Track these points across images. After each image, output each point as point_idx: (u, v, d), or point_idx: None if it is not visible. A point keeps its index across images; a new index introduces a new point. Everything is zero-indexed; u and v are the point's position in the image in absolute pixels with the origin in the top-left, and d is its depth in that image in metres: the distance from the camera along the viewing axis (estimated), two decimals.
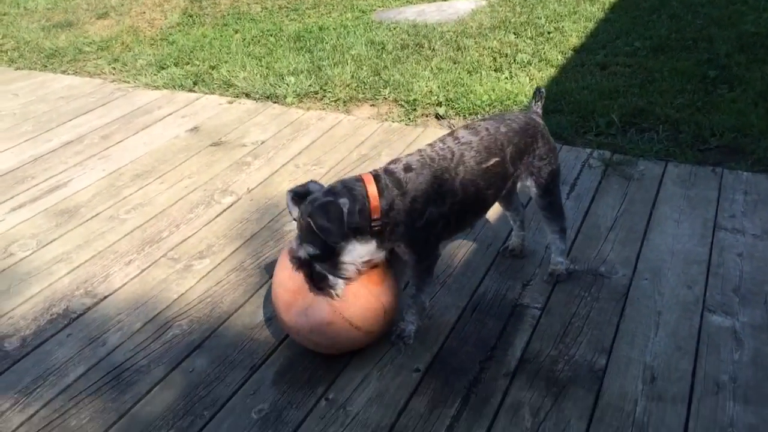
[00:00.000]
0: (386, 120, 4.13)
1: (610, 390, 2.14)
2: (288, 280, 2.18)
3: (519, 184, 2.49)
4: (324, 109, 4.36)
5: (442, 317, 2.49)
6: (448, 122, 4.03)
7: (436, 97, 4.24)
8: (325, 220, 1.95)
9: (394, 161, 2.22)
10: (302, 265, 2.08)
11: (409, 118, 4.11)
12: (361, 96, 4.43)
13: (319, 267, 2.07)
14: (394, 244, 2.18)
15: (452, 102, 4.18)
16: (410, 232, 2.15)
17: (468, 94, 4.22)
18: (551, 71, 4.52)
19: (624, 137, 3.72)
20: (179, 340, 2.46)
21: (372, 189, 2.06)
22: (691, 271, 2.66)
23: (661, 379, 2.16)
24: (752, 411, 2.02)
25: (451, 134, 2.32)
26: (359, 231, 2.04)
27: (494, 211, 3.10)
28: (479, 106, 4.09)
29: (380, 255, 2.16)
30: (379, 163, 3.53)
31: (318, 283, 2.09)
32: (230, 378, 2.27)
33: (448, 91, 4.30)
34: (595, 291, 2.59)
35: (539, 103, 2.60)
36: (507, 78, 4.43)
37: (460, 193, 2.22)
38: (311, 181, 2.19)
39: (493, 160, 2.28)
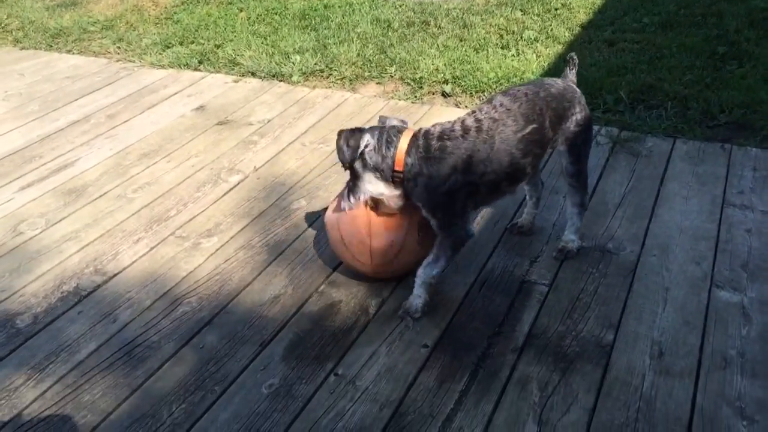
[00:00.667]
0: (392, 98, 4.11)
1: (618, 365, 2.15)
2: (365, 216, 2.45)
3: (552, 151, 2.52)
4: (330, 87, 4.35)
5: (450, 293, 2.50)
6: (455, 100, 4.01)
7: (442, 75, 4.21)
8: (343, 143, 2.24)
9: (436, 125, 2.32)
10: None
11: (416, 96, 4.09)
12: (366, 74, 4.40)
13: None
14: (416, 201, 2.31)
15: (459, 79, 4.16)
16: (431, 195, 2.25)
17: (474, 71, 4.19)
18: (558, 48, 4.48)
19: (632, 114, 3.70)
20: (189, 317, 2.48)
21: (403, 144, 2.24)
22: (700, 247, 2.65)
23: (669, 354, 2.17)
24: (760, 385, 2.03)
25: (490, 101, 2.34)
26: (378, 169, 2.27)
27: None
28: (486, 84, 4.06)
29: (398, 201, 2.34)
30: None
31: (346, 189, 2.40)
32: (240, 354, 2.29)
33: (454, 68, 4.28)
34: (603, 267, 2.60)
35: (573, 70, 2.61)
36: (514, 55, 4.40)
37: (494, 163, 2.25)
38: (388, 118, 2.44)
39: (530, 128, 2.28)
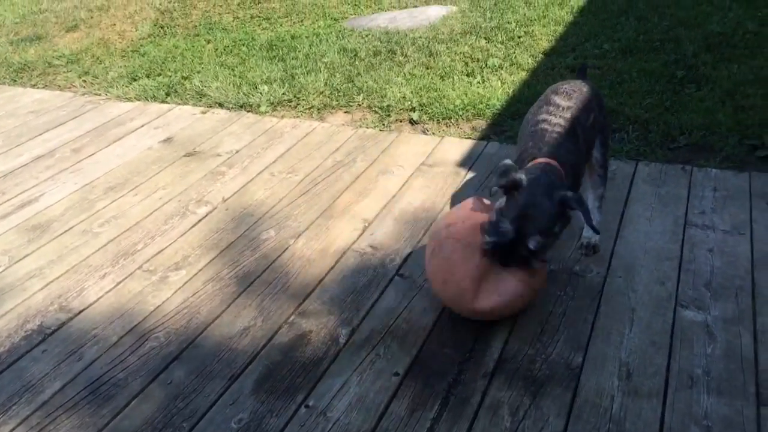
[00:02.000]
0: (360, 126, 4.14)
1: (587, 387, 2.16)
2: (477, 271, 2.29)
3: None
4: (298, 117, 4.37)
5: (419, 321, 2.50)
6: (422, 127, 4.06)
7: (409, 103, 4.26)
8: (584, 211, 2.20)
9: (534, 143, 2.38)
10: (503, 248, 2.19)
11: (384, 124, 4.12)
12: (335, 103, 4.44)
13: (526, 253, 2.20)
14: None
15: (426, 107, 4.21)
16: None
17: (441, 98, 4.25)
18: (522, 75, 4.57)
19: None
20: (156, 352, 2.44)
21: (560, 171, 2.27)
22: (664, 268, 2.70)
23: (637, 375, 2.19)
24: (725, 403, 2.06)
25: (550, 103, 2.51)
26: None
27: None
28: (452, 111, 4.12)
29: None
30: (354, 170, 3.58)
31: (512, 263, 2.25)
32: (209, 389, 2.26)
33: (421, 96, 4.33)
34: (570, 290, 2.62)
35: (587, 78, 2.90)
36: (479, 82, 4.47)
37: (583, 151, 2.49)
38: (510, 167, 2.22)
39: (591, 116, 2.55)
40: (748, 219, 2.96)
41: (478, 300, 2.31)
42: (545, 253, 2.25)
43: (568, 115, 2.46)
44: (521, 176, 2.17)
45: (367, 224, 3.13)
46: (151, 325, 2.58)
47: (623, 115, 3.93)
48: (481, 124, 4.05)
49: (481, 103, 4.15)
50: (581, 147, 2.48)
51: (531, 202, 2.15)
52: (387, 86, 4.52)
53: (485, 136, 3.90)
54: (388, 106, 4.27)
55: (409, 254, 2.88)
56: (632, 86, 4.24)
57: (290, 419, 2.11)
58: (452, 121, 4.08)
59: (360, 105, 4.39)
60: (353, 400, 2.16)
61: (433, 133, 3.98)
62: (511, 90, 4.35)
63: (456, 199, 3.27)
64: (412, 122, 4.12)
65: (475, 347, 2.36)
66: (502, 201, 2.25)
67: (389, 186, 3.43)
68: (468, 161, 3.64)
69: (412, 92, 4.39)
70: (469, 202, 2.45)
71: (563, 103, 2.52)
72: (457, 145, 3.81)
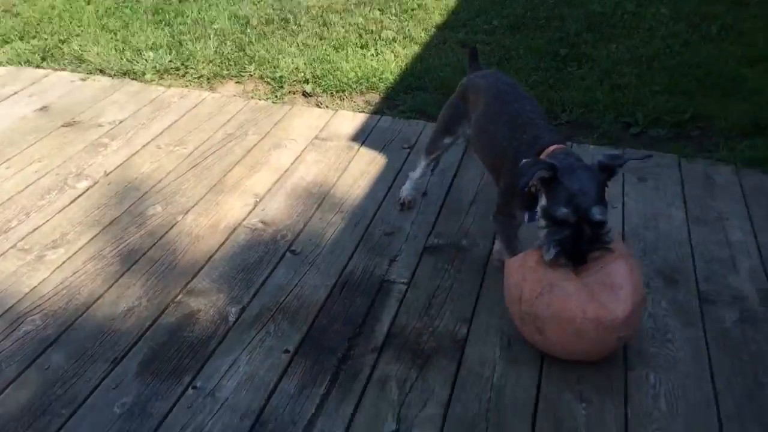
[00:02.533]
0: (252, 98, 4.05)
1: (471, 358, 2.26)
2: (582, 293, 2.03)
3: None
4: (186, 86, 4.20)
5: (311, 297, 2.51)
6: (316, 100, 4.02)
7: (302, 74, 4.21)
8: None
9: (533, 124, 2.33)
10: (569, 240, 2.02)
11: (276, 96, 4.05)
12: (225, 73, 4.30)
13: (588, 232, 2.01)
14: None
15: (319, 79, 4.17)
16: None
17: (335, 71, 4.22)
18: (415, 48, 4.61)
19: None
20: (33, 336, 2.32)
21: None
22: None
23: (516, 344, 2.30)
24: (596, 369, 2.19)
25: (506, 93, 2.51)
26: None
27: (362, 189, 3.15)
28: (346, 84, 4.10)
29: None
30: (246, 143, 3.50)
31: (586, 252, 2.05)
32: (90, 373, 2.17)
33: (314, 67, 4.28)
34: (457, 263, 2.71)
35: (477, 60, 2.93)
36: (373, 55, 4.47)
37: None
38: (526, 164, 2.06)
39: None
40: (620, 193, 3.15)
41: (613, 310, 2.01)
42: (606, 228, 2.05)
43: (527, 104, 2.45)
44: (551, 161, 2.03)
45: (258, 199, 3.08)
46: (27, 308, 2.44)
47: None
48: (375, 97, 4.06)
49: (375, 77, 4.16)
50: None
51: (576, 179, 1.98)
52: (280, 56, 4.43)
53: (379, 110, 3.91)
54: (281, 77, 4.19)
55: (302, 230, 2.87)
56: (519, 63, 4.38)
57: (176, 401, 2.07)
58: (346, 94, 4.07)
59: (252, 75, 4.28)
60: (242, 380, 2.15)
61: (327, 106, 3.96)
62: (405, 64, 4.38)
63: (348, 173, 3.28)
64: (305, 94, 4.07)
65: (366, 322, 2.40)
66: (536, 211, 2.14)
67: (282, 160, 3.39)
68: (361, 135, 3.65)
69: (305, 63, 4.33)
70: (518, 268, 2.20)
71: (513, 92, 2.51)
72: (350, 119, 3.81)
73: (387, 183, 3.23)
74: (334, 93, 4.07)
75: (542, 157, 2.14)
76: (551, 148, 2.18)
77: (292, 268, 2.65)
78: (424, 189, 3.14)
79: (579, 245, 2.01)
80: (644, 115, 3.80)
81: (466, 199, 3.14)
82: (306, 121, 3.77)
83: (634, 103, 3.91)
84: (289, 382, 2.15)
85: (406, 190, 3.03)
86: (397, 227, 2.92)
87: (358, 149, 3.51)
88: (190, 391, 2.11)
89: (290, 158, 3.40)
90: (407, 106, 3.92)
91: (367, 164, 3.37)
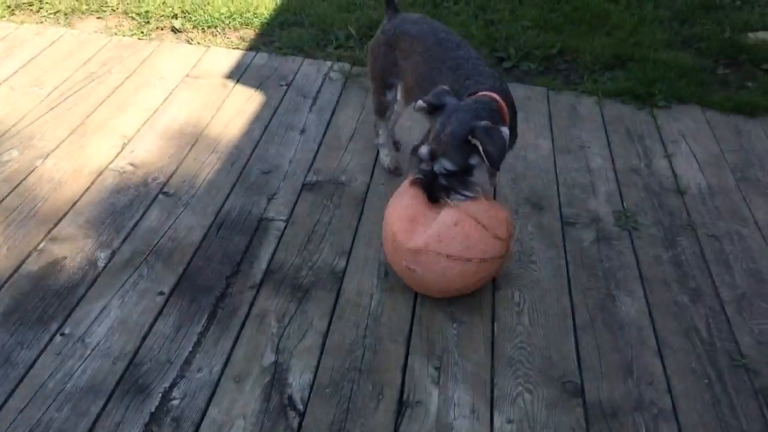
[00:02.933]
0: (116, 34, 3.81)
1: (349, 288, 2.31)
2: (405, 210, 2.15)
3: None
4: (41, 22, 3.88)
5: (186, 238, 2.45)
6: (186, 36, 3.84)
7: (171, 9, 3.99)
8: (493, 147, 1.95)
9: (477, 72, 2.22)
10: (426, 178, 2.08)
11: (143, 32, 3.83)
12: (84, 8, 4.01)
13: (444, 181, 2.07)
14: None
15: (189, 14, 3.97)
16: (515, 138, 2.28)
17: (205, 5, 4.03)
18: None
19: (362, 50, 3.85)
20: None
21: (504, 107, 2.10)
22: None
23: (393, 273, 2.36)
24: (466, 296, 2.30)
25: (447, 41, 2.38)
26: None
27: (238, 128, 3.08)
28: (218, 19, 3.94)
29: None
30: (110, 82, 3.31)
31: (437, 194, 2.09)
32: None
33: (183, 2, 4.07)
34: (336, 199, 2.73)
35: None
36: None
37: None
38: (443, 90, 2.09)
39: None
40: None
41: (411, 239, 2.10)
42: (467, 186, 2.07)
43: (471, 51, 2.35)
44: (450, 99, 2.06)
45: (126, 141, 2.94)
46: None
47: None
48: (249, 33, 3.93)
49: (249, 12, 4.02)
50: None
51: (445, 125, 2.01)
52: None
53: (254, 47, 3.80)
54: (146, 12, 3.96)
55: (174, 171, 2.78)
56: None
57: (43, 349, 1.98)
58: (218, 30, 3.91)
59: (115, 10, 4.01)
60: (114, 324, 2.09)
61: (198, 43, 3.79)
62: None
63: (223, 112, 3.19)
64: (174, 30, 3.88)
65: (244, 260, 2.39)
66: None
67: (151, 99, 3.24)
68: (236, 72, 3.54)
69: None
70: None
71: (452, 39, 2.40)
72: (224, 56, 3.67)
73: (264, 121, 3.17)
74: (206, 29, 3.90)
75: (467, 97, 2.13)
76: (480, 93, 2.12)
77: (166, 210, 2.57)
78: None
79: (430, 186, 2.09)
80: (516, 49, 3.92)
81: (344, 135, 3.14)
82: (176, 58, 3.60)
83: (506, 38, 4.01)
84: (165, 323, 2.11)
85: (386, 159, 2.90)
86: (275, 165, 2.88)
87: (233, 87, 3.41)
88: (58, 338, 2.03)
89: (160, 97, 3.26)
90: (283, 42, 3.83)
91: (243, 102, 3.29)
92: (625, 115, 3.41)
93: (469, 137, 1.96)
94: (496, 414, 1.91)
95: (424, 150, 2.08)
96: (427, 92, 2.25)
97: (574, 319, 2.23)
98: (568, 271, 2.42)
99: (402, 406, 1.92)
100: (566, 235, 2.60)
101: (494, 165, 1.96)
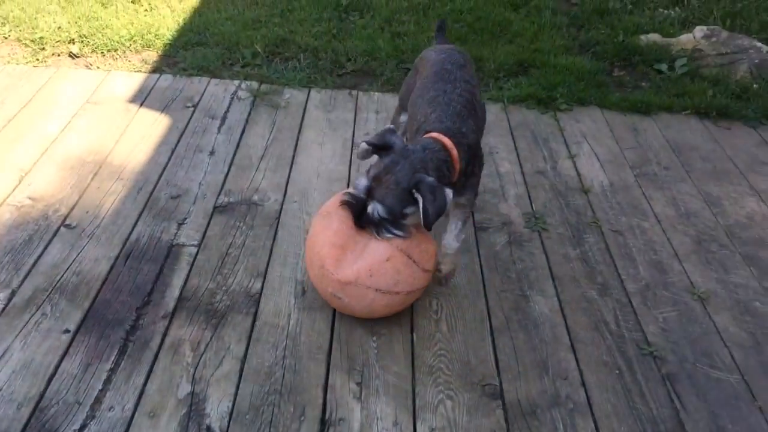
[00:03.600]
0: (9, 62, 3.64)
1: (266, 309, 2.27)
2: (335, 237, 2.09)
3: None
4: None
5: (92, 271, 2.35)
6: (85, 61, 3.71)
7: (67, 34, 3.85)
8: (433, 208, 1.90)
9: (443, 112, 2.16)
10: (357, 203, 2.04)
11: (38, 59, 3.67)
12: None
13: (376, 218, 2.03)
14: (460, 197, 2.19)
15: (87, 38, 3.84)
16: (476, 180, 2.24)
17: (104, 28, 3.92)
18: (193, 2, 4.40)
19: (269, 67, 3.83)
20: None
21: (455, 155, 2.05)
22: (334, 189, 2.90)
23: (311, 291, 2.35)
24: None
25: (443, 78, 2.31)
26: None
27: (143, 153, 2.99)
28: (118, 42, 3.83)
29: None
30: (4, 113, 3.15)
31: (364, 224, 2.06)
32: None
33: (80, 26, 3.93)
34: (249, 219, 2.69)
35: (444, 34, 2.84)
36: (146, 10, 4.20)
37: (482, 130, 2.40)
38: (388, 130, 2.08)
39: (478, 92, 2.41)
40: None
41: (340, 268, 2.05)
42: (399, 227, 2.04)
43: (467, 88, 2.28)
44: (396, 140, 2.02)
45: (23, 174, 2.80)
46: None
47: (295, 43, 4.04)
48: (152, 55, 3.83)
49: (150, 33, 3.93)
50: (480, 123, 2.34)
51: (390, 169, 1.97)
52: (38, 15, 4.00)
53: (157, 69, 3.71)
54: (41, 38, 3.80)
55: (77, 202, 2.67)
56: (302, 14, 4.36)
57: None
58: (119, 53, 3.80)
59: (6, 38, 3.83)
60: (17, 367, 1.98)
61: (98, 67, 3.67)
62: (182, 18, 4.17)
63: (127, 137, 3.10)
64: (72, 56, 3.74)
65: (155, 290, 2.31)
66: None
67: (49, 129, 3.10)
68: (139, 96, 3.44)
69: (69, 22, 3.96)
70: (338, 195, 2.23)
71: (453, 73, 2.32)
72: (126, 80, 3.57)
73: (171, 145, 3.09)
74: (106, 52, 3.78)
75: (420, 138, 2.11)
76: (431, 134, 2.08)
77: (68, 244, 2.47)
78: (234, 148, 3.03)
79: (360, 215, 2.06)
80: None
81: (255, 154, 3.10)
82: (75, 84, 3.48)
83: (413, 50, 4.06)
84: (72, 362, 2.02)
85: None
86: (184, 189, 2.82)
87: (137, 111, 3.31)
88: None
89: (59, 126, 3.13)
90: (188, 63, 3.76)
91: (148, 126, 3.20)
92: (530, 120, 3.52)
93: (413, 190, 1.93)
94: (418, 423, 1.92)
95: (361, 184, 2.03)
96: (412, 117, 2.34)
97: (490, 322, 2.28)
98: (483, 276, 2.47)
99: (325, 425, 1.90)
100: (479, 240, 2.65)
101: (427, 225, 1.94)
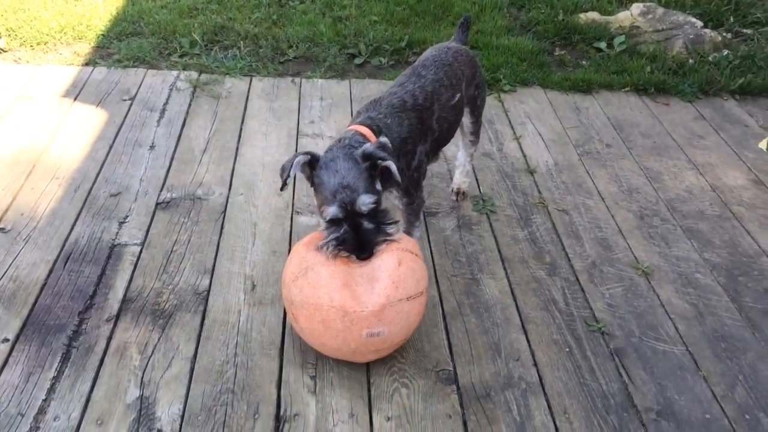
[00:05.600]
0: None
1: (216, 307, 2.22)
2: (332, 281, 1.88)
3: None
4: None
5: (29, 276, 2.26)
6: (14, 55, 3.54)
7: None
8: (395, 160, 1.89)
9: (372, 105, 2.17)
10: (349, 236, 1.88)
11: None
12: None
13: (366, 224, 1.90)
14: (388, 190, 2.15)
15: (14, 32, 3.67)
16: (406, 173, 2.15)
17: (32, 21, 3.75)
18: None
19: (209, 56, 3.74)
20: None
21: (371, 139, 2.01)
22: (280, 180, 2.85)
23: (261, 285, 2.32)
24: None
25: (414, 72, 2.33)
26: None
27: (79, 150, 2.88)
28: (48, 35, 3.67)
29: None
30: None
31: (370, 244, 1.91)
32: None
33: (6, 18, 3.75)
34: (194, 215, 2.62)
35: (467, 32, 2.73)
36: (77, 0, 4.03)
37: (437, 130, 2.31)
38: (298, 154, 1.93)
39: (457, 96, 2.39)
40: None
41: (364, 302, 1.87)
42: (384, 214, 1.95)
43: (418, 90, 2.24)
44: (314, 154, 1.92)
45: None
46: None
47: (234, 30, 3.95)
48: (85, 47, 3.69)
49: (81, 24, 3.78)
50: (426, 125, 2.25)
51: (334, 171, 1.87)
52: None
53: (90, 61, 3.57)
54: None
55: (10, 204, 2.56)
56: (240, 0, 4.26)
57: None
58: (49, 46, 3.65)
59: None
60: None
61: (28, 62, 3.52)
62: (114, 8, 4.02)
63: (61, 134, 2.98)
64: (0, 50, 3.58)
65: (97, 293, 2.24)
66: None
67: None
68: (73, 90, 3.31)
69: None
70: (295, 250, 2.04)
71: (430, 70, 2.33)
72: (57, 74, 3.43)
73: (108, 140, 2.99)
74: (35, 45, 3.62)
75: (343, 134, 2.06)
76: (348, 127, 2.06)
77: (3, 249, 2.36)
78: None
79: (361, 238, 1.90)
80: (366, 45, 3.94)
81: (197, 147, 3.03)
82: (3, 80, 3.32)
83: (356, 35, 4.03)
84: (12, 372, 1.94)
85: None
86: (124, 186, 2.73)
87: (71, 106, 3.19)
88: None
89: None
90: (123, 54, 3.63)
91: (84, 122, 3.09)
92: None
93: (367, 164, 1.88)
94: (374, 413, 1.92)
95: (332, 212, 1.87)
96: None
97: (442, 307, 2.28)
98: (433, 261, 2.47)
99: (280, 421, 1.88)
100: (429, 225, 2.65)
101: (402, 179, 1.93)
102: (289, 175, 1.91)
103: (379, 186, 1.94)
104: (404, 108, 2.17)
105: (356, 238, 1.89)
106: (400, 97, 2.20)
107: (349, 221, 1.88)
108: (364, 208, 1.87)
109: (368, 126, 2.06)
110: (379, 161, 1.89)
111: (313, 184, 1.95)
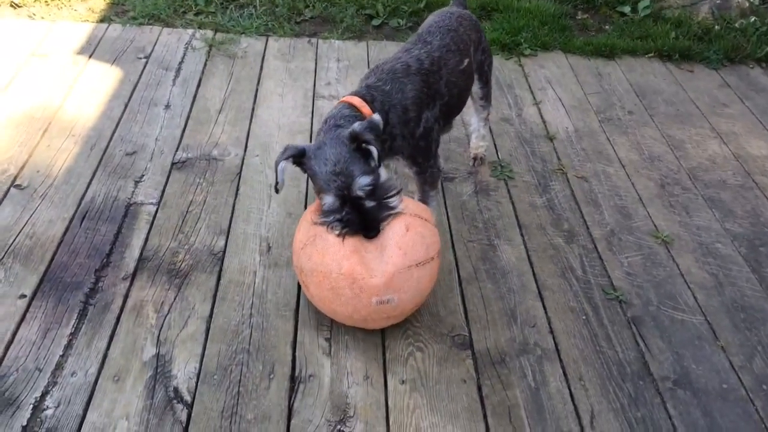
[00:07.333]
0: None
1: (231, 268, 2.22)
2: (342, 249, 1.85)
3: None
4: None
5: (46, 233, 2.26)
6: (28, 11, 3.50)
7: None
8: (371, 135, 1.82)
9: (373, 72, 2.12)
10: (352, 218, 1.83)
11: None
12: None
13: (371, 201, 1.85)
14: (392, 158, 2.13)
15: None
16: (410, 142, 2.10)
17: None
18: None
19: (224, 15, 3.68)
20: None
21: (367, 111, 1.95)
22: (296, 141, 2.83)
23: (276, 247, 2.31)
24: None
25: (419, 39, 2.27)
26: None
27: (94, 108, 2.86)
28: None
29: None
30: None
31: (375, 222, 1.86)
32: None
33: None
34: (210, 176, 2.61)
35: None
36: None
37: (446, 95, 2.22)
38: (288, 145, 1.90)
39: (466, 61, 2.31)
40: None
41: (373, 269, 1.85)
42: (385, 188, 1.89)
43: (424, 54, 2.17)
44: (301, 146, 1.87)
45: None
46: None
47: None
48: (99, 4, 3.64)
49: None
50: (433, 89, 2.16)
51: (324, 159, 1.82)
52: None
53: (105, 18, 3.53)
54: None
55: (26, 161, 2.55)
56: None
57: None
58: (64, 2, 3.60)
59: None
60: None
61: (42, 18, 3.48)
62: None
63: (76, 92, 2.96)
64: (13, 5, 3.53)
65: (114, 251, 2.24)
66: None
67: None
68: (87, 48, 3.28)
69: None
70: (303, 217, 2.03)
71: (430, 35, 2.27)
72: (72, 30, 3.39)
73: (123, 99, 2.97)
74: (50, 1, 3.58)
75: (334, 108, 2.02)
76: (342, 99, 2.01)
77: (20, 206, 2.36)
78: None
79: (359, 221, 1.85)
80: (384, 6, 3.87)
81: (213, 107, 3.00)
82: (18, 36, 3.29)
83: None
84: (29, 328, 1.95)
85: None
86: (139, 145, 2.71)
87: (86, 64, 3.16)
88: None
89: (3, 81, 2.97)
90: (138, 11, 3.59)
91: (98, 80, 3.06)
92: (495, 66, 3.45)
93: (353, 145, 1.83)
94: (389, 376, 1.92)
95: (331, 198, 1.84)
96: None
97: (458, 272, 2.27)
98: (450, 226, 2.45)
99: (295, 382, 1.88)
100: (446, 190, 2.62)
101: (378, 159, 1.84)
102: (278, 181, 1.90)
103: (374, 162, 1.86)
104: (408, 72, 2.10)
105: (360, 219, 1.85)
106: (404, 61, 2.13)
107: (349, 205, 1.84)
108: (361, 192, 1.83)
109: (362, 96, 1.99)
110: (364, 144, 1.82)
111: (307, 174, 1.91)
